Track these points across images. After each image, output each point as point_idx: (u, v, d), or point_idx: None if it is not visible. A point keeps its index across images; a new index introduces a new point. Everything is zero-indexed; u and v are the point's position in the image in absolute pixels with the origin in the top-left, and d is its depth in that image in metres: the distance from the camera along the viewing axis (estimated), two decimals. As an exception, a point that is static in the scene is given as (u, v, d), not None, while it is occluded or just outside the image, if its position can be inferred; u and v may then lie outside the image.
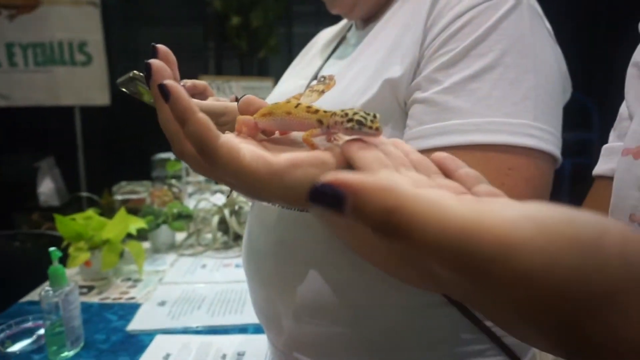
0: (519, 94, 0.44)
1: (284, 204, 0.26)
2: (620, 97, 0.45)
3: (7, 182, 2.96)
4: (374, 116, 0.27)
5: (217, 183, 1.55)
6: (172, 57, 0.29)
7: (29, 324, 0.95)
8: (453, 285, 0.22)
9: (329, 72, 0.60)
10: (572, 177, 2.59)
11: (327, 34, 0.76)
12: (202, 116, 0.25)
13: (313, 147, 0.28)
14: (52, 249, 0.83)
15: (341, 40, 0.70)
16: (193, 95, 0.56)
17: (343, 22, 0.74)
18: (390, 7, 0.57)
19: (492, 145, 0.43)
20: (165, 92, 0.25)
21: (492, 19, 0.46)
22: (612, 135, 0.43)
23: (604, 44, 2.83)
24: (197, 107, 0.25)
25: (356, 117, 0.26)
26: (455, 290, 0.24)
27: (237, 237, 1.40)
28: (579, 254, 0.17)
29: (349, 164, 0.27)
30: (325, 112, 0.28)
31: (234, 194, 1.32)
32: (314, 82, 0.64)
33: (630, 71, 0.43)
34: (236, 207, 1.41)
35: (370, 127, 0.26)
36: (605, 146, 0.43)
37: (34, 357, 0.85)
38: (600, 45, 2.84)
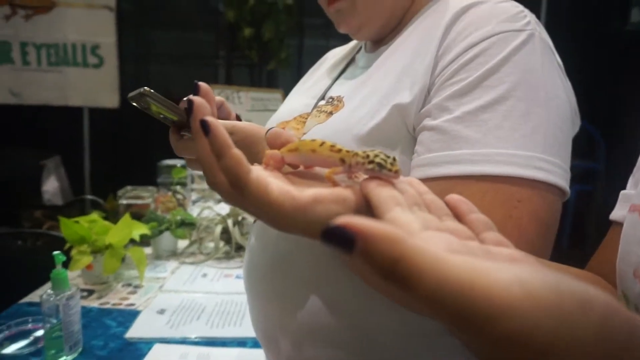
0: (529, 126, 0.44)
1: (304, 236, 0.27)
2: (627, 128, 0.45)
3: (13, 178, 2.97)
4: (394, 159, 0.28)
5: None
6: (212, 94, 0.32)
7: (28, 326, 0.95)
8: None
9: (337, 93, 0.61)
10: (575, 205, 2.60)
11: (335, 54, 0.76)
12: (237, 152, 0.27)
13: (335, 184, 0.30)
14: (56, 252, 0.84)
15: (350, 61, 0.71)
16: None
17: (352, 43, 0.75)
18: (401, 32, 0.58)
19: (501, 176, 0.43)
20: (206, 128, 0.27)
21: (505, 51, 0.46)
22: (631, 181, 0.43)
23: (611, 73, 2.85)
24: (232, 143, 0.27)
25: (377, 160, 0.28)
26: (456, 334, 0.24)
27: (239, 248, 1.40)
28: (558, 323, 0.18)
29: (368, 202, 0.28)
30: (347, 151, 0.30)
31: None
32: (322, 102, 0.65)
33: None
34: (239, 218, 1.42)
35: (390, 170, 0.28)
36: (622, 192, 0.44)
37: (32, 359, 0.85)
38: (607, 74, 2.86)
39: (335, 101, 0.59)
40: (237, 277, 1.25)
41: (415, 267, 0.18)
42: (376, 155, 0.28)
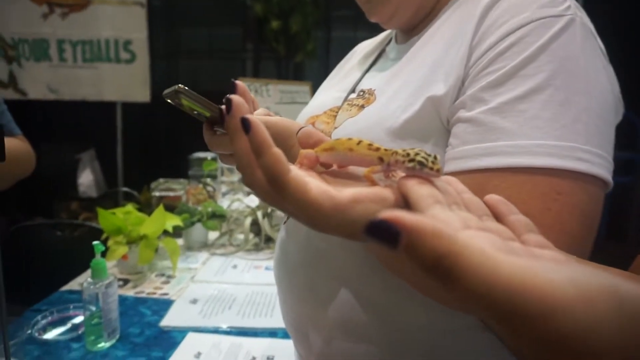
0: (569, 116, 0.43)
1: (342, 237, 0.27)
2: None
3: (50, 172, 3.09)
4: (435, 157, 0.27)
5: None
6: (249, 93, 0.31)
7: (69, 313, 0.99)
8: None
9: (368, 86, 0.60)
10: (614, 197, 2.50)
11: (365, 47, 0.75)
12: (277, 150, 0.26)
13: (373, 183, 0.29)
14: (95, 242, 0.87)
15: (380, 53, 0.69)
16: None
17: (382, 35, 0.74)
18: (433, 21, 0.57)
19: (540, 168, 0.42)
20: (246, 126, 0.27)
21: (543, 38, 0.45)
22: None
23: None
24: (272, 141, 0.27)
25: (418, 158, 0.27)
26: (497, 330, 0.24)
27: (269, 240, 1.42)
28: (618, 328, 0.18)
29: (406, 201, 0.28)
30: (386, 150, 0.29)
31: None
32: (352, 95, 0.64)
33: None
34: (269, 210, 1.43)
35: (431, 169, 0.27)
36: None
37: (73, 345, 0.88)
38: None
39: (366, 94, 0.58)
40: (267, 268, 1.27)
41: (462, 263, 0.18)
42: (417, 154, 0.27)
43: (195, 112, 0.52)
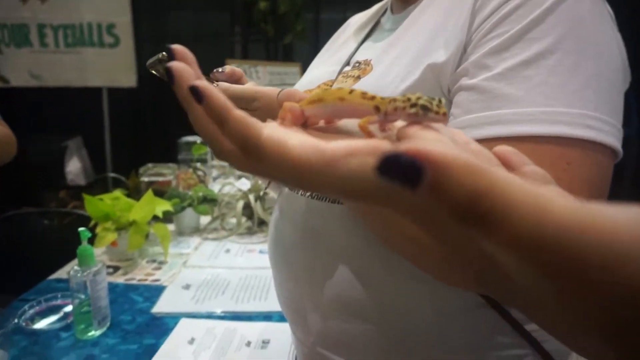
0: (578, 81, 0.40)
1: (338, 197, 0.24)
2: None
3: (36, 160, 3.02)
4: (440, 100, 0.24)
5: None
6: (191, 56, 0.26)
7: (58, 302, 0.96)
8: (514, 287, 0.20)
9: (364, 57, 0.57)
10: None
11: (358, 19, 0.72)
12: (240, 113, 0.23)
13: (370, 135, 0.26)
14: (81, 229, 0.84)
15: (375, 24, 0.67)
16: (230, 82, 0.55)
17: (375, 7, 0.70)
18: None
19: (548, 137, 0.39)
20: (197, 94, 0.23)
21: (550, 0, 0.42)
22: None
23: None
24: (232, 104, 0.23)
25: (420, 102, 0.24)
26: (513, 294, 0.21)
27: (262, 223, 1.39)
28: None
29: None
30: (382, 98, 0.26)
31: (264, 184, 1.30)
32: (347, 67, 0.61)
33: None
34: (261, 193, 1.41)
35: (437, 112, 0.23)
36: None
37: (62, 334, 0.86)
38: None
39: (362, 65, 0.56)
40: (260, 252, 1.25)
41: (506, 202, 0.15)
42: (418, 98, 0.24)
43: None
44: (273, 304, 0.95)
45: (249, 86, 0.51)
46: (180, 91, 0.24)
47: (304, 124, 0.29)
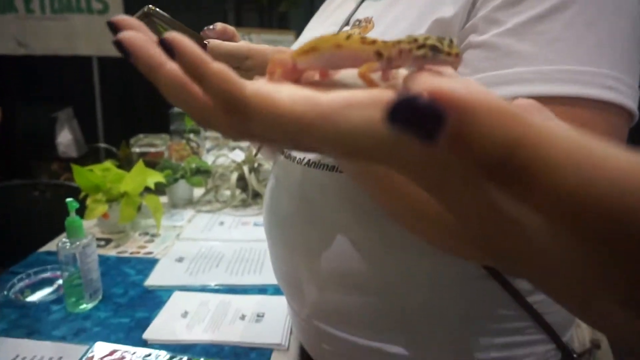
0: (595, 38, 0.38)
1: (335, 155, 0.20)
2: None
3: (26, 132, 2.96)
4: (451, 40, 0.21)
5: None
6: (137, 22, 0.22)
7: (48, 274, 0.95)
8: (531, 254, 0.18)
9: (364, 15, 0.54)
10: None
11: None
12: (219, 65, 0.19)
13: (372, 84, 0.22)
14: (69, 199, 0.81)
15: None
16: (222, 40, 0.51)
17: None
18: None
19: (562, 97, 0.37)
20: (168, 47, 0.19)
21: None
22: None
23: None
24: (209, 56, 0.19)
25: (429, 42, 0.20)
26: (526, 261, 0.19)
27: (256, 195, 1.37)
28: None
29: None
30: (384, 42, 0.22)
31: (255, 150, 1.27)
32: (346, 27, 0.58)
33: None
34: (256, 165, 1.38)
35: (449, 54, 0.20)
36: None
37: (53, 307, 0.84)
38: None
39: (363, 23, 0.52)
40: (255, 224, 1.23)
41: (550, 153, 0.12)
42: (426, 38, 0.21)
43: None
44: (268, 277, 0.93)
45: (242, 44, 0.47)
46: (140, 60, 0.20)
47: (297, 79, 0.26)
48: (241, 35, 1.89)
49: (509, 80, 0.38)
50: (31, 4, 2.65)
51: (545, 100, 0.37)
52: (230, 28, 0.53)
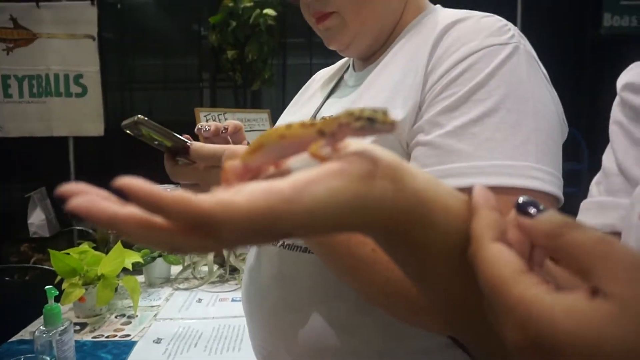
0: (520, 137, 0.45)
1: (307, 234, 0.22)
2: (606, 129, 0.46)
3: (-2, 213, 2.91)
4: (385, 110, 0.23)
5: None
6: (79, 186, 0.22)
7: (20, 365, 0.92)
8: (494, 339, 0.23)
9: (329, 113, 0.61)
10: (561, 207, 2.61)
11: (323, 74, 0.77)
12: (171, 194, 0.20)
13: (323, 159, 0.24)
14: (48, 287, 0.82)
15: (339, 80, 0.71)
16: (222, 138, 0.57)
17: (339, 63, 0.75)
18: (389, 49, 0.59)
19: (495, 187, 0.43)
20: (124, 191, 0.20)
21: (491, 65, 0.47)
22: (597, 189, 0.44)
23: (588, 76, 2.91)
24: (160, 189, 0.20)
25: (365, 114, 0.23)
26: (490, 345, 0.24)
27: (234, 270, 1.39)
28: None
29: (371, 170, 0.23)
30: (324, 121, 0.25)
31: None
32: None
33: (613, 129, 0.45)
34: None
35: (384, 122, 0.23)
36: (594, 200, 0.44)
37: (25, 400, 0.82)
38: (585, 77, 2.93)
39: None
40: (233, 300, 1.24)
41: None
42: (362, 110, 0.23)
43: (156, 142, 0.51)
44: (246, 354, 0.93)
45: (219, 147, 0.53)
46: (96, 219, 0.20)
47: (254, 177, 0.28)
48: (217, 114, 1.96)
49: (450, 174, 0.44)
50: (9, 89, 2.72)
51: None
52: (238, 124, 0.59)
